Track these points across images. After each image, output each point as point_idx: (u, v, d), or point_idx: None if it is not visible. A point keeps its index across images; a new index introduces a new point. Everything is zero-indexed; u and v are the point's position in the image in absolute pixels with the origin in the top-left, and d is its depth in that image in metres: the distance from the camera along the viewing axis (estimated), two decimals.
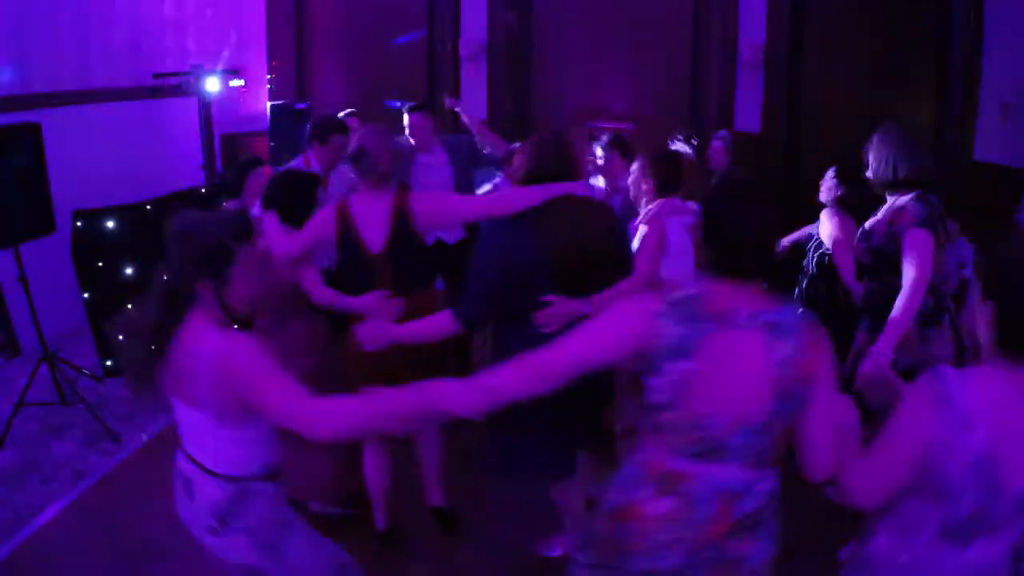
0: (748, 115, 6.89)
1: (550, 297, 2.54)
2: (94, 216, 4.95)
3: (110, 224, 4.95)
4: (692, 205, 3.51)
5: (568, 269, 2.58)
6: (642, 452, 1.78)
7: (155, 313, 1.96)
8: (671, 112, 7.21)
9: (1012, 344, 1.49)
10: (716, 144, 5.58)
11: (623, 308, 1.76)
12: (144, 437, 4.32)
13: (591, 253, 2.65)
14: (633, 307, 1.72)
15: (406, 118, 4.59)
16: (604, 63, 7.38)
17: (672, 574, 1.71)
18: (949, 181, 6.07)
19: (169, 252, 1.94)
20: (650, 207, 3.35)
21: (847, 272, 3.53)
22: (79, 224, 4.94)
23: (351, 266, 2.99)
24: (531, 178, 2.70)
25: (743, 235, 1.66)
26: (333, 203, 3.04)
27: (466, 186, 4.53)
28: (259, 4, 7.72)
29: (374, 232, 2.91)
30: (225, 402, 1.89)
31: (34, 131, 4.22)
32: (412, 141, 4.59)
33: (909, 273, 2.70)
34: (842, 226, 3.66)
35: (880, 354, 2.52)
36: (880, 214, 2.96)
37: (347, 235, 2.93)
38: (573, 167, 2.74)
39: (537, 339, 2.51)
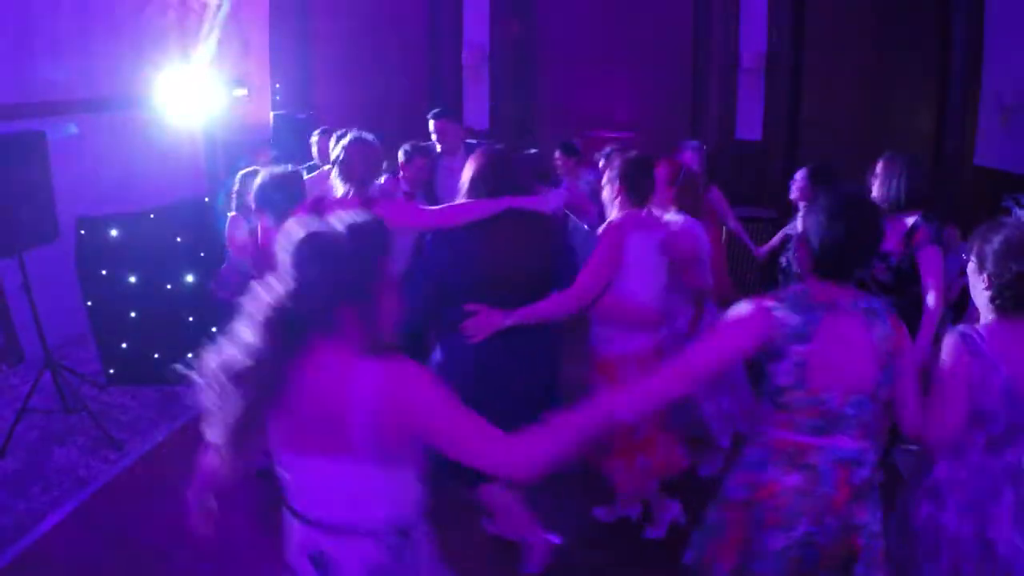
0: (749, 123, 6.91)
1: (473, 307, 2.64)
2: (98, 224, 4.97)
3: (114, 232, 4.97)
4: (668, 218, 3.37)
5: (495, 283, 2.66)
6: (765, 434, 2.03)
7: (268, 350, 1.56)
8: (673, 120, 7.24)
9: (1008, 303, 1.97)
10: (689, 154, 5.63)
11: (745, 307, 2.00)
12: (146, 445, 4.33)
13: (518, 268, 2.71)
14: (754, 305, 1.99)
15: (431, 123, 4.75)
16: (606, 71, 7.41)
17: (801, 544, 1.96)
18: (949, 186, 6.08)
19: (298, 274, 1.57)
20: (614, 217, 3.11)
21: None
22: (83, 232, 4.96)
23: None
24: (478, 190, 2.80)
25: (842, 246, 1.94)
26: (306, 202, 3.24)
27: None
28: (262, 14, 7.77)
29: None
30: (391, 443, 1.58)
31: (38, 139, 4.24)
32: (438, 146, 4.72)
33: (931, 289, 3.13)
34: None
35: (922, 349, 2.99)
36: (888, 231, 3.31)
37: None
38: (520, 180, 2.84)
39: (469, 348, 2.64)
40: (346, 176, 3.16)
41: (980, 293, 2.04)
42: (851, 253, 1.96)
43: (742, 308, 2.00)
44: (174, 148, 6.53)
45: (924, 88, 6.50)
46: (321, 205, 3.13)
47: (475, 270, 2.68)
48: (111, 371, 5.10)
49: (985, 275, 1.99)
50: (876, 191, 3.34)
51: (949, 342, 2.00)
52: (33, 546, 3.39)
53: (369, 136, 3.25)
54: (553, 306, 2.74)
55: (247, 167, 5.14)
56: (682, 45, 7.17)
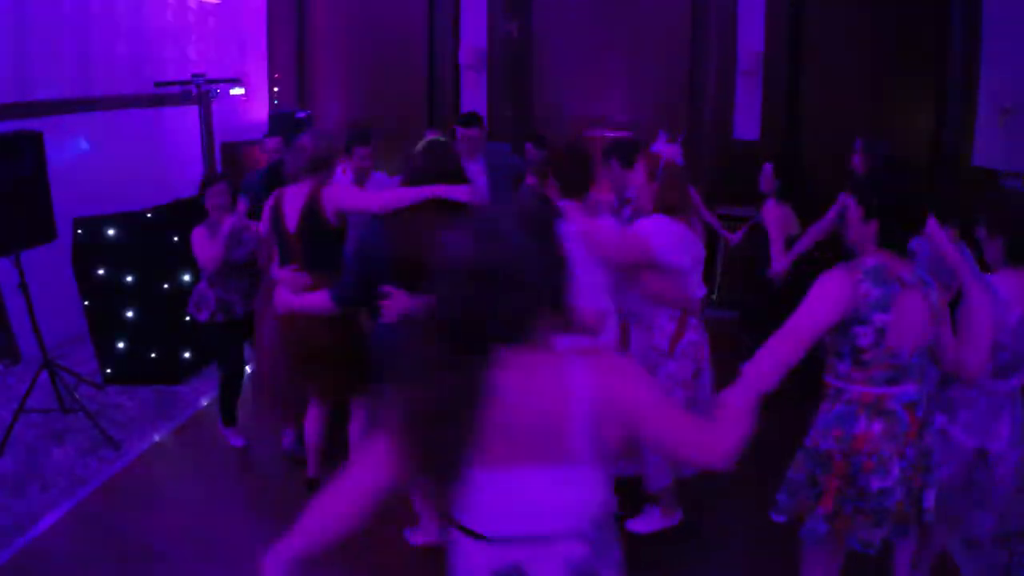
0: (747, 123, 6.92)
1: (388, 289, 2.80)
2: (95, 224, 4.97)
3: (111, 232, 4.97)
4: (644, 221, 3.10)
5: (406, 266, 2.78)
6: (848, 391, 2.35)
7: (459, 375, 1.43)
8: (670, 120, 7.24)
9: (1019, 258, 2.56)
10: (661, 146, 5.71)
11: (834, 279, 2.30)
12: (143, 445, 4.33)
13: (430, 255, 2.75)
14: (843, 276, 2.29)
15: (459, 130, 4.88)
16: (603, 71, 7.41)
17: (898, 483, 2.30)
18: (948, 186, 6.09)
19: (475, 295, 1.40)
20: None
21: (776, 248, 4.52)
22: (80, 232, 4.95)
23: (278, 243, 3.50)
24: (416, 179, 2.94)
25: (909, 214, 2.33)
26: (276, 190, 3.55)
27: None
28: (260, 13, 7.77)
29: (292, 215, 3.39)
30: (607, 441, 1.50)
31: (35, 139, 4.23)
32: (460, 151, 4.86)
33: (950, 251, 3.44)
34: (780, 212, 4.66)
35: None
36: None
37: (276, 217, 3.44)
38: (447, 169, 2.97)
39: (384, 326, 2.88)
40: (299, 163, 3.43)
41: (994, 252, 2.63)
42: (913, 221, 2.38)
43: (832, 279, 2.33)
44: (171, 148, 6.54)
45: (923, 89, 6.52)
46: (281, 193, 3.48)
47: (390, 254, 2.84)
48: (108, 371, 5.10)
49: (998, 237, 2.60)
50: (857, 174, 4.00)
51: (974, 291, 2.48)
52: (31, 545, 3.38)
53: (326, 130, 3.54)
54: None
55: (206, 176, 5.13)
56: (680, 47, 7.17)
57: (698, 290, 3.28)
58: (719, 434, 1.59)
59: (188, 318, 4.27)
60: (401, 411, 1.44)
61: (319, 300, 3.03)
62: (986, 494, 2.66)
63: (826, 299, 2.27)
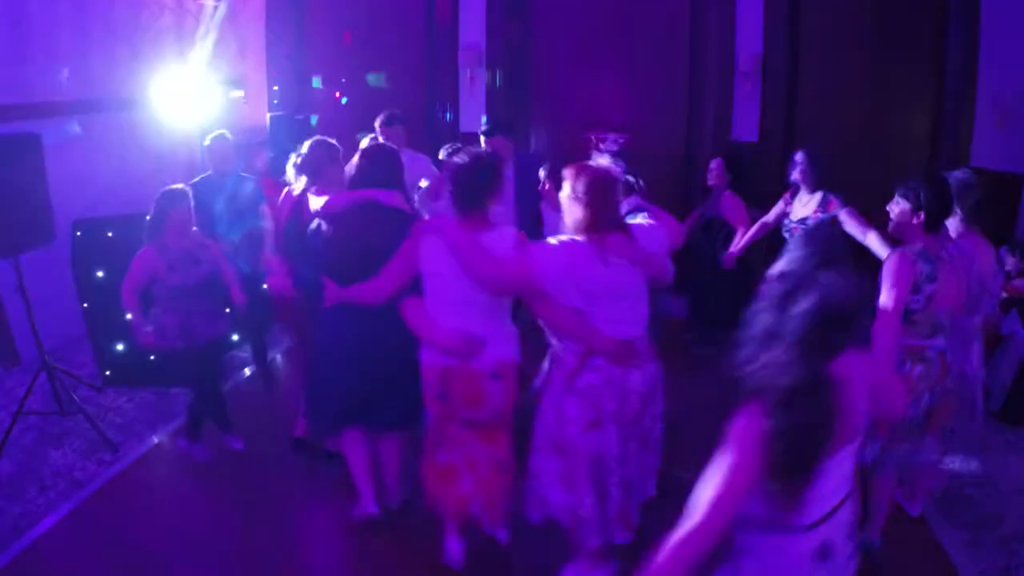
0: (746, 124, 6.92)
1: (325, 280, 3.14)
2: (94, 226, 4.96)
3: (110, 234, 4.96)
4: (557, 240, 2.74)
5: (337, 262, 3.15)
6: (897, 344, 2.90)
7: (826, 389, 1.67)
8: (669, 123, 7.24)
9: (973, 222, 3.33)
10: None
11: (900, 261, 2.84)
12: (142, 447, 4.32)
13: (361, 254, 3.09)
14: (904, 258, 2.85)
15: (483, 140, 4.92)
16: (602, 73, 7.41)
17: (928, 410, 2.99)
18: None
19: (842, 330, 1.66)
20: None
21: (742, 232, 4.93)
22: (79, 234, 4.95)
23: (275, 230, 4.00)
24: (355, 183, 3.22)
25: (948, 203, 2.99)
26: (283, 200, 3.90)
27: (527, 206, 4.82)
28: (259, 14, 7.76)
29: (285, 209, 3.76)
30: (868, 411, 1.83)
31: (34, 141, 4.23)
32: None
33: (868, 231, 4.05)
34: (736, 203, 5.03)
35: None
36: (798, 206, 4.51)
37: (280, 212, 3.84)
38: (392, 175, 3.23)
39: (322, 312, 3.23)
40: (305, 170, 3.65)
41: (954, 221, 3.30)
42: (948, 214, 3.02)
43: (898, 262, 2.84)
44: (170, 150, 6.53)
45: (921, 90, 6.52)
46: (286, 197, 3.79)
47: (328, 251, 3.18)
48: (107, 373, 5.09)
49: (956, 209, 3.26)
50: (797, 175, 4.46)
51: (952, 254, 2.98)
52: (29, 548, 3.38)
53: (324, 139, 3.72)
54: (366, 290, 3.02)
55: (243, 169, 5.12)
56: (679, 48, 7.17)
57: (616, 327, 2.70)
58: (899, 393, 2.23)
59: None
60: (775, 428, 1.62)
61: (284, 284, 3.61)
62: (973, 409, 3.38)
63: (901, 279, 2.82)
